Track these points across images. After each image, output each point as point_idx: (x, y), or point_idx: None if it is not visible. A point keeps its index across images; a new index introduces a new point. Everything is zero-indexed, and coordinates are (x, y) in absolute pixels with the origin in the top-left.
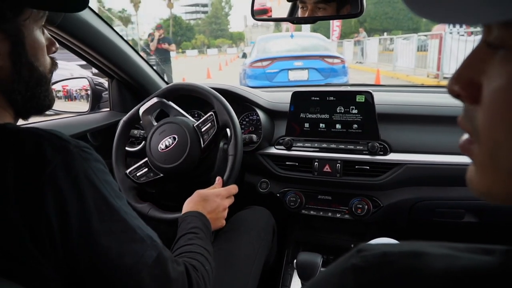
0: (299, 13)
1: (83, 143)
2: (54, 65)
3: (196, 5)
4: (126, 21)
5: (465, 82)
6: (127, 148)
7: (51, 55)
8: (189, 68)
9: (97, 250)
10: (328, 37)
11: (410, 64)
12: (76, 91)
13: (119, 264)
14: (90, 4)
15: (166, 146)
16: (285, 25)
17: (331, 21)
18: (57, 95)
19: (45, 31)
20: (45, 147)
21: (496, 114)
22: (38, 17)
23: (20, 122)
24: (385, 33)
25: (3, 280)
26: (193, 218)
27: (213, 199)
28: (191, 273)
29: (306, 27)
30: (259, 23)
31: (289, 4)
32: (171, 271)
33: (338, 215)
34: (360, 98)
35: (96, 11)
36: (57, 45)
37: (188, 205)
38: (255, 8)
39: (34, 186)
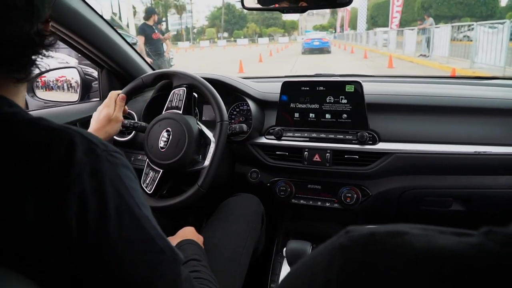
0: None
1: (112, 147)
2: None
3: None
4: (181, 9)
5: None
6: (116, 138)
7: None
8: (230, 59)
9: (111, 256)
10: (387, 25)
11: (496, 60)
12: (52, 81)
13: (132, 273)
14: None
15: (165, 141)
16: (340, 12)
17: (390, 8)
18: (36, 85)
19: None
20: (75, 149)
21: None
22: None
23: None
24: (451, 21)
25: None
26: (190, 246)
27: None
28: None
29: (362, 22)
30: (314, 11)
31: None
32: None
33: (327, 204)
34: (349, 88)
35: None
36: None
37: (180, 235)
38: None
39: (58, 186)
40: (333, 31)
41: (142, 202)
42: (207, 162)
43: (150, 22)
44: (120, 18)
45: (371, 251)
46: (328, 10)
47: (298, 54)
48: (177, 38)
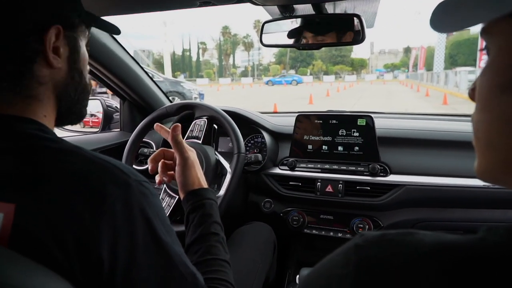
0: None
1: (142, 176)
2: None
3: None
4: (249, 46)
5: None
6: (135, 166)
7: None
8: (279, 97)
9: (137, 281)
10: (469, 65)
11: None
12: None
13: None
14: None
15: None
16: (414, 50)
17: (479, 43)
18: None
19: None
20: (108, 180)
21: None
22: (86, 33)
23: None
24: None
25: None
26: (212, 205)
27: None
28: None
29: (440, 61)
30: (387, 49)
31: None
32: None
33: (339, 235)
34: (361, 122)
35: (221, 36)
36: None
37: (194, 173)
38: None
39: (94, 215)
40: (406, 70)
41: (168, 229)
42: (222, 192)
43: None
44: (190, 54)
45: (385, 248)
46: (401, 49)
47: (359, 95)
48: (244, 74)
